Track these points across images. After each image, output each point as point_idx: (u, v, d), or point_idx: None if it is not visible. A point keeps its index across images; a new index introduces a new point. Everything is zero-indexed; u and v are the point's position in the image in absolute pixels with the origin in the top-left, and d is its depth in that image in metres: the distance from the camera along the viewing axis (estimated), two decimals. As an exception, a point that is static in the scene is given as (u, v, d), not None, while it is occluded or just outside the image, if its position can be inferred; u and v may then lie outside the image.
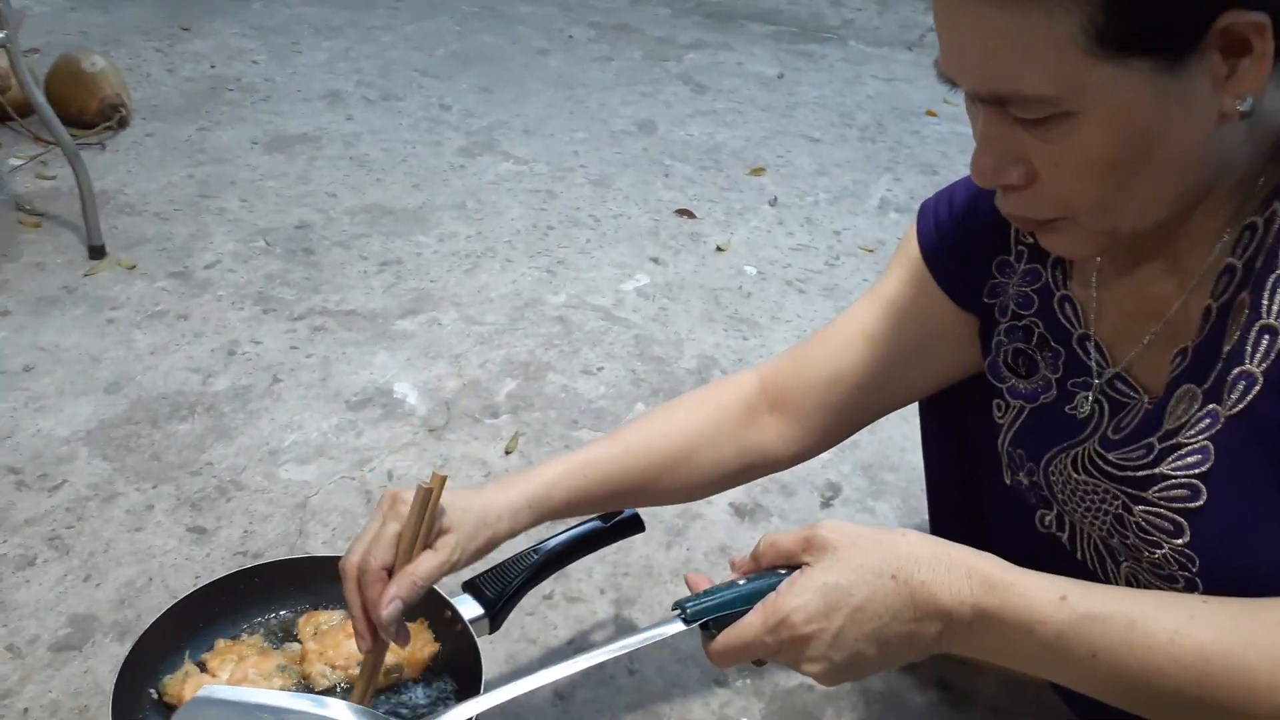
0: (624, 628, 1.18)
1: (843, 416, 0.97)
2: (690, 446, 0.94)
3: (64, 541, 1.24)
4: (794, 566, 0.71)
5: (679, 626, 0.73)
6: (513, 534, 0.87)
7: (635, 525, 1.08)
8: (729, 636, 0.71)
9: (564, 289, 1.84)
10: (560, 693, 1.09)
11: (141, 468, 1.36)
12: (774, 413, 0.97)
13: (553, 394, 1.58)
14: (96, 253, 1.83)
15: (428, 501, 0.82)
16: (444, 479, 0.82)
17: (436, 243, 1.99)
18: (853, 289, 1.93)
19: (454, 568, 0.83)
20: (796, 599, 0.68)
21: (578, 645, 1.15)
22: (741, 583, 0.72)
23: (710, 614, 0.72)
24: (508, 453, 1.45)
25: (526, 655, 1.14)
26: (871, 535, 0.70)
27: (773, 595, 0.70)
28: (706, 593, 0.73)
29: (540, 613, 1.19)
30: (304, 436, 1.45)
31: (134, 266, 1.82)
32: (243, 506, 1.31)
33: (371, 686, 0.86)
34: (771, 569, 0.73)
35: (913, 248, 0.92)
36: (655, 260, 1.97)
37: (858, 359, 0.94)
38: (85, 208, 1.83)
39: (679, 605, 0.73)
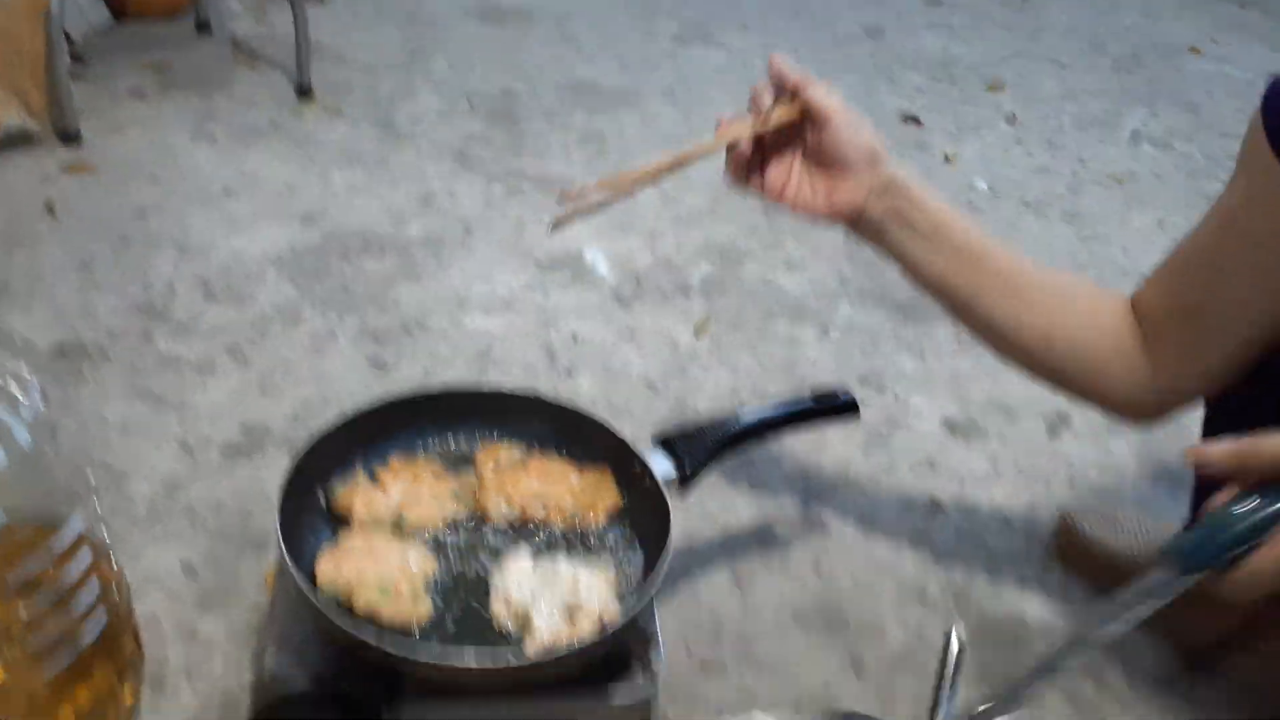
0: (811, 524, 1.06)
1: (1219, 362, 0.81)
2: (1054, 305, 0.84)
3: (245, 354, 1.21)
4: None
5: (1174, 580, 0.59)
6: (864, 193, 0.83)
7: (850, 409, 0.96)
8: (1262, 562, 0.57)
9: (772, 180, 1.71)
10: (739, 576, 0.99)
11: (328, 296, 1.33)
12: (1142, 349, 0.83)
13: (750, 283, 1.46)
14: (304, 94, 1.82)
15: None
16: None
17: (640, 124, 1.89)
18: (1099, 219, 1.72)
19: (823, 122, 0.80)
20: None
21: (759, 535, 1.04)
22: (1236, 510, 0.58)
23: (1221, 553, 0.58)
24: (698, 334, 1.34)
25: (703, 534, 1.04)
26: None
27: None
28: (1198, 530, 0.59)
29: (722, 492, 1.08)
30: (492, 289, 1.38)
31: (339, 111, 1.79)
32: (426, 347, 1.26)
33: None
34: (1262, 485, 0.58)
35: (1263, 148, 0.74)
36: (873, 162, 1.81)
37: (1239, 294, 0.77)
38: (299, 51, 1.82)
39: (1170, 550, 0.59)
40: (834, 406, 0.95)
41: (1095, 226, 1.70)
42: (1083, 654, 0.63)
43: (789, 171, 0.85)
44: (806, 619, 0.96)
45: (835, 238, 1.58)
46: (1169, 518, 1.04)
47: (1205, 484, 0.93)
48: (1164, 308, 0.83)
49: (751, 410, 0.93)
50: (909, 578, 1.01)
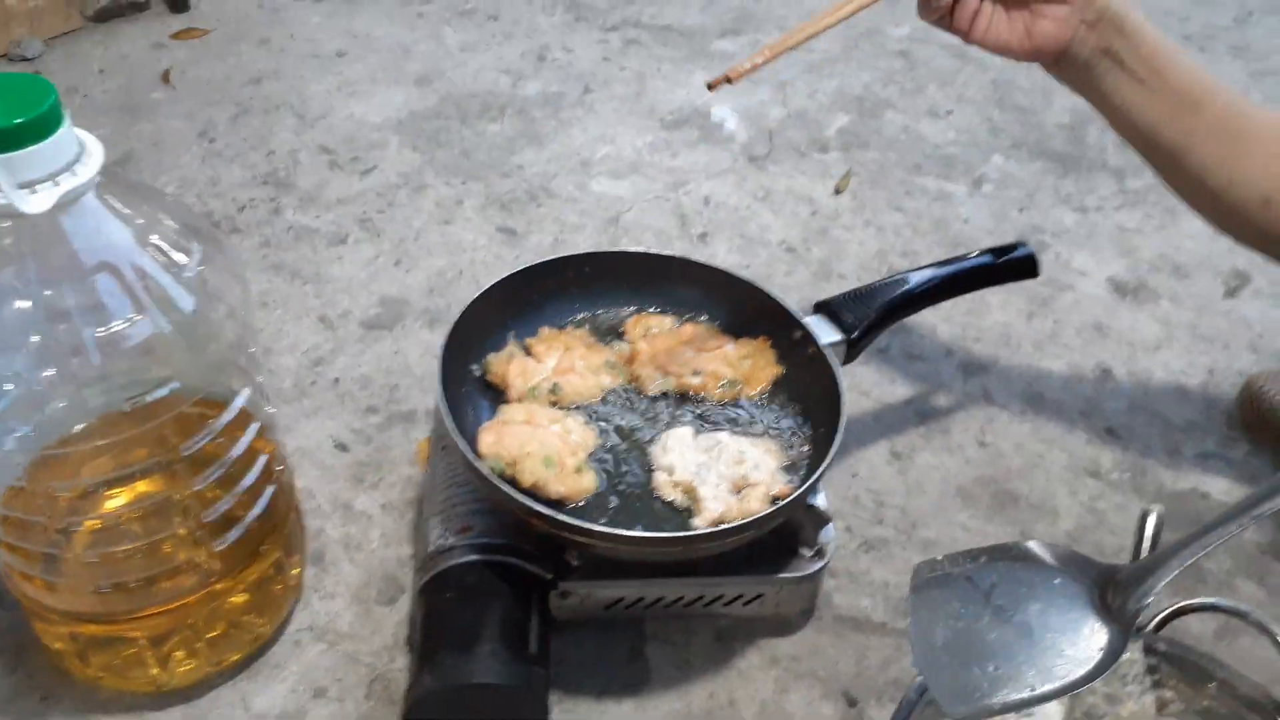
0: (972, 396, 1.00)
1: None
2: (1276, 164, 0.75)
3: (375, 225, 1.18)
4: None
5: None
6: (1071, 27, 0.74)
7: (1029, 267, 0.88)
8: None
9: (907, 20, 1.57)
10: (898, 452, 0.94)
11: (451, 163, 1.28)
12: None
13: (892, 134, 1.36)
14: (408, -52, 1.73)
15: None
16: None
17: (761, -35, 1.76)
18: (1269, 51, 1.55)
19: None
20: None
21: (918, 407, 0.99)
22: None
23: None
24: (838, 192, 1.26)
25: (859, 407, 0.99)
26: None
27: None
28: None
29: (875, 365, 1.03)
30: (617, 151, 1.32)
31: (444, -36, 1.71)
32: (553, 214, 1.21)
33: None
34: None
35: None
36: None
37: None
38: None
39: None
40: (1011, 263, 0.88)
41: (1267, 61, 1.54)
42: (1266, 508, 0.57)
43: (982, 1, 0.76)
44: (972, 496, 0.91)
45: (983, 80, 1.46)
46: (1372, 384, 0.95)
47: None
48: None
49: (920, 272, 0.87)
50: (1080, 451, 0.95)
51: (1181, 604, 0.72)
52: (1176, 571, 0.58)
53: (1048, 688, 0.56)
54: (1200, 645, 0.70)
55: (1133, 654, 0.69)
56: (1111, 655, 0.58)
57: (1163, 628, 0.72)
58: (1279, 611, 0.83)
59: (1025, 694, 0.55)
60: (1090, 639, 0.58)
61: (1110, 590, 0.60)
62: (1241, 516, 0.56)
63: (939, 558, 0.62)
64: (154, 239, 0.60)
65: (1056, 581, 0.61)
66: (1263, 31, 1.61)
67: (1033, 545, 0.63)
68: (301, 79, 1.42)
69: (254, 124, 1.34)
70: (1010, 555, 0.62)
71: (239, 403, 0.68)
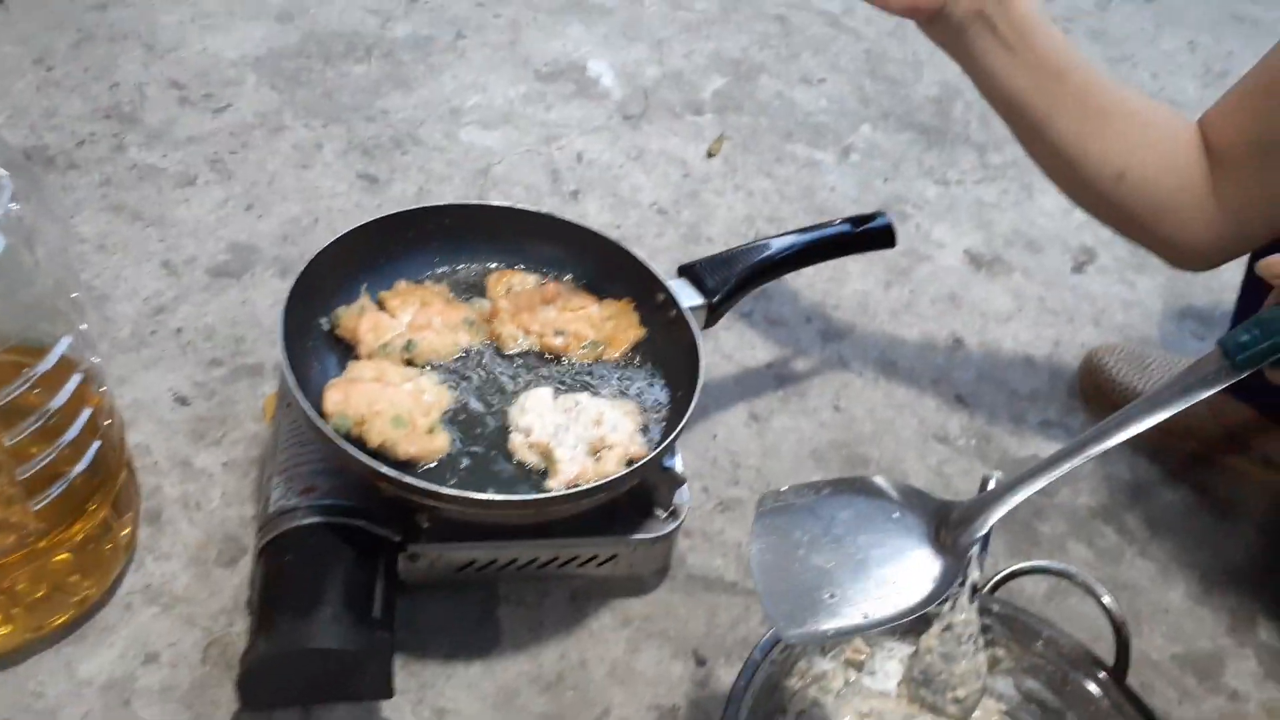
0: (829, 362, 1.02)
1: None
2: (1130, 137, 0.77)
3: (226, 166, 1.12)
4: None
5: (1223, 374, 0.55)
6: None
7: (887, 237, 0.90)
8: None
9: (787, -13, 1.58)
10: (756, 415, 0.95)
11: (312, 104, 1.22)
12: (1209, 185, 0.77)
13: (765, 99, 1.37)
14: (273, -127, 1.63)
15: None
16: None
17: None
18: (1128, 39, 1.62)
19: None
20: None
21: (776, 372, 1.00)
22: None
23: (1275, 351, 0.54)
24: (710, 155, 1.26)
25: (721, 371, 0.99)
26: None
27: None
28: (1255, 326, 0.55)
29: (737, 329, 1.04)
30: (488, 100, 1.28)
31: (312, -106, 1.62)
32: (419, 162, 1.17)
33: None
34: None
35: None
36: (895, -29, 1.68)
37: None
38: None
39: (1227, 345, 0.55)
40: (869, 233, 0.89)
41: (1123, 47, 1.60)
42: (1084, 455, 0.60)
43: None
44: (825, 458, 0.93)
45: (857, 50, 1.48)
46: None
47: (1251, 297, 0.90)
48: (1235, 139, 0.77)
49: (782, 238, 0.87)
50: (930, 417, 0.98)
51: (1014, 567, 0.75)
52: (1004, 510, 0.60)
53: (880, 615, 0.57)
54: (1033, 606, 0.74)
55: (968, 615, 0.72)
56: (943, 586, 0.59)
57: (997, 589, 0.75)
58: (1110, 571, 0.89)
59: (859, 620, 0.57)
60: (923, 571, 0.60)
61: (944, 527, 0.61)
62: (1062, 462, 0.58)
63: (783, 488, 0.63)
64: (-45, 172, 0.55)
65: (895, 515, 0.62)
66: (1120, 18, 1.67)
67: (877, 479, 0.64)
68: (152, 7, 1.33)
69: (97, 53, 1.24)
70: (853, 488, 0.64)
71: (59, 350, 0.63)
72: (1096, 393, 1.01)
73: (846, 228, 0.88)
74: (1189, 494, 0.96)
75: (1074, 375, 1.05)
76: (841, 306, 1.09)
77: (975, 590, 0.72)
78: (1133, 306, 1.15)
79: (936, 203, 1.24)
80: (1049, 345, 1.08)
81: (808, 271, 0.97)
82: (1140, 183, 0.78)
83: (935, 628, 0.72)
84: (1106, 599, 0.71)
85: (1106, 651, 0.69)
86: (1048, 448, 0.98)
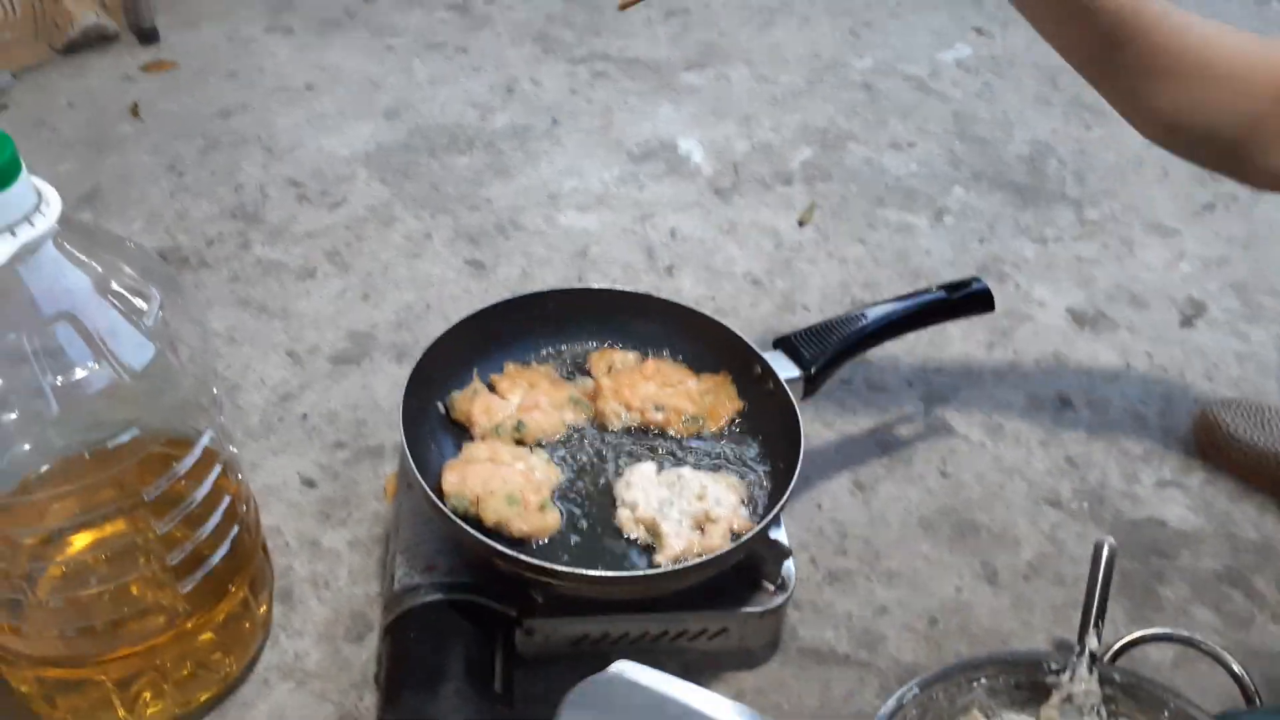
0: (934, 427, 1.02)
1: None
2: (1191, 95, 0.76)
3: (343, 258, 1.19)
4: None
5: None
6: None
7: (984, 302, 0.90)
8: None
9: (870, 53, 1.61)
10: (861, 483, 0.96)
11: (420, 195, 1.29)
12: None
13: (854, 166, 1.39)
14: (378, -19, 1.74)
15: None
16: None
17: (727, -3, 1.79)
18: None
19: None
20: None
21: (880, 439, 1.01)
22: None
23: None
24: (801, 224, 1.28)
25: (822, 439, 1.00)
26: None
27: None
28: None
29: (837, 396, 1.04)
30: (584, 184, 1.33)
31: (414, -3, 1.72)
32: (521, 247, 1.22)
33: None
34: None
35: None
36: (978, 31, 1.69)
37: None
38: (369, -68, 1.74)
39: None
40: (966, 298, 0.90)
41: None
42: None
43: None
44: (934, 526, 0.92)
45: (944, 112, 1.49)
46: (1322, 412, 0.98)
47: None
48: None
49: (878, 308, 0.89)
50: (1040, 481, 0.97)
51: (1136, 635, 0.73)
52: None
53: None
54: (1159, 675, 0.72)
55: (1089, 685, 0.70)
56: None
57: (1118, 658, 0.73)
58: (1238, 638, 0.85)
59: None
60: None
61: None
62: None
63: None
64: (113, 286, 0.60)
65: None
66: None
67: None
68: (270, 112, 1.43)
69: (222, 158, 1.34)
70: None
71: (202, 444, 0.68)
72: (1213, 449, 0.99)
73: (943, 294, 0.89)
74: (1321, 553, 0.92)
75: (1188, 432, 1.02)
76: (944, 370, 1.09)
77: (1094, 659, 0.70)
78: (1247, 359, 1.11)
79: (1035, 261, 1.24)
80: (1160, 402, 1.06)
81: (908, 336, 0.98)
82: (1196, 136, 0.78)
83: (1055, 699, 0.71)
84: (1236, 667, 0.69)
85: (1239, 722, 0.67)
86: (1165, 508, 0.95)
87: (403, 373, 0.79)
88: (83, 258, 0.60)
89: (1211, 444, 0.99)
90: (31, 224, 0.56)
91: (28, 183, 0.56)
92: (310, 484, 0.92)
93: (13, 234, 0.55)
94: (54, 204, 0.57)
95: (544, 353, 0.89)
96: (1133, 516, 0.95)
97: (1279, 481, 0.96)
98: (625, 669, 0.58)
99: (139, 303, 0.62)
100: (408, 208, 1.27)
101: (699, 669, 0.80)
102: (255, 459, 0.94)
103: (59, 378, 0.58)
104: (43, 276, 0.57)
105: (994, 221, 1.29)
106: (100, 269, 0.60)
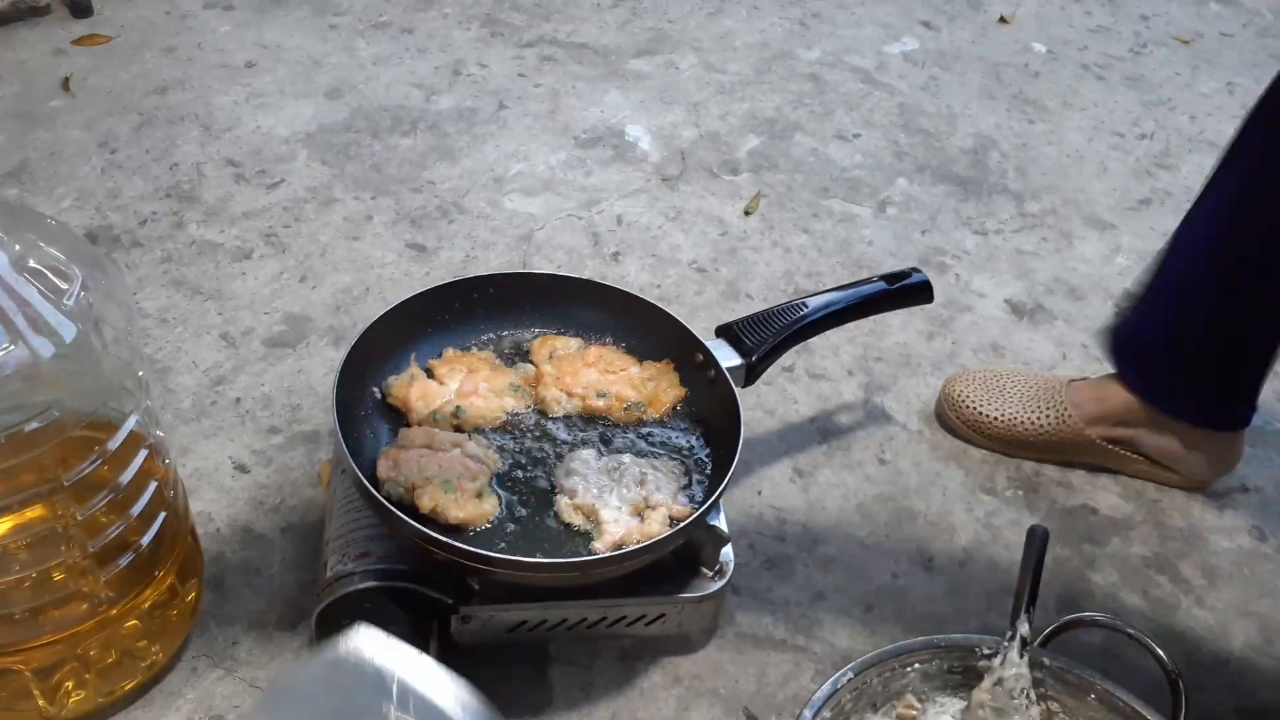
0: (873, 415, 1.03)
1: None
2: None
3: (280, 240, 1.16)
4: None
5: None
6: None
7: (924, 292, 0.91)
8: None
9: (818, 44, 1.61)
10: (801, 470, 0.96)
11: (361, 177, 1.27)
12: None
13: (800, 156, 1.39)
14: (322, -42, 1.71)
15: None
16: None
17: (676, -16, 1.78)
18: (1164, 83, 1.62)
19: None
20: None
21: (819, 426, 1.01)
22: None
23: None
24: (747, 213, 1.28)
25: (764, 426, 1.00)
26: None
27: None
28: None
29: (779, 384, 1.05)
30: (530, 168, 1.32)
31: (359, -24, 1.69)
32: (464, 230, 1.21)
33: None
34: None
35: None
36: (926, 25, 1.70)
37: None
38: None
39: None
40: (907, 289, 0.90)
41: (1159, 91, 1.61)
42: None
43: None
44: (872, 512, 0.93)
45: (890, 105, 1.50)
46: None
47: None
48: None
49: (819, 297, 0.89)
50: (976, 469, 0.98)
51: (1065, 619, 0.75)
52: None
53: None
54: (1087, 660, 0.73)
55: (1019, 669, 0.72)
56: None
57: (1048, 643, 0.74)
58: (1165, 622, 0.88)
59: None
60: None
61: None
62: None
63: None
64: (31, 264, 0.58)
65: None
66: (1155, 62, 1.68)
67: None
68: (208, 89, 1.39)
69: (157, 135, 1.31)
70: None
71: (127, 427, 0.66)
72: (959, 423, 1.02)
73: (883, 285, 0.89)
74: (1246, 539, 0.94)
75: (1121, 422, 1.04)
76: (884, 359, 1.09)
77: (1025, 644, 0.72)
78: (1178, 351, 1.14)
79: (975, 253, 1.25)
80: (1094, 392, 1.08)
81: (849, 325, 0.99)
82: None
83: (986, 682, 0.72)
84: (1159, 651, 0.71)
85: (1165, 706, 0.69)
86: (1096, 497, 0.97)
87: (340, 356, 0.78)
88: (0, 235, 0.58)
89: (958, 419, 1.01)
90: (-57, 197, 0.54)
91: (-61, 154, 0.54)
92: (243, 469, 0.90)
93: (-78, 208, 0.53)
94: (-32, 177, 0.55)
95: (484, 338, 0.87)
96: (1066, 504, 0.96)
97: (1006, 441, 0.99)
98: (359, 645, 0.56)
99: (59, 282, 0.60)
100: (348, 189, 1.25)
101: (637, 654, 0.80)
102: (186, 443, 0.92)
103: (-29, 358, 0.56)
104: (-45, 253, 0.55)
105: (936, 213, 1.30)
106: (18, 247, 0.58)
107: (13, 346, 0.56)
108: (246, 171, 1.26)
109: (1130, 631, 0.72)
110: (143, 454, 0.69)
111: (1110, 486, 0.98)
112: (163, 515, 0.71)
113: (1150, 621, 0.87)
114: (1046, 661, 0.72)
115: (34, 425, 0.59)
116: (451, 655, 0.72)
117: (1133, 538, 0.94)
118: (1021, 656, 0.71)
